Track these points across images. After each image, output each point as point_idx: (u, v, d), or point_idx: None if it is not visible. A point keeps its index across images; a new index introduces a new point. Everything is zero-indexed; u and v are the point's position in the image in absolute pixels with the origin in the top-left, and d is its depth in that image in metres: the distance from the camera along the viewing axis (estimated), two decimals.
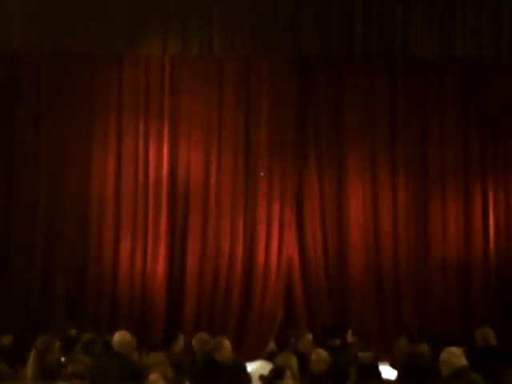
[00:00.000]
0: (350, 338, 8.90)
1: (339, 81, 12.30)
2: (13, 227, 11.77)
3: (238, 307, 11.81)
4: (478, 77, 12.36)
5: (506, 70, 12.35)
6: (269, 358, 7.56)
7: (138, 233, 11.89)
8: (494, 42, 12.04)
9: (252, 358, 8.50)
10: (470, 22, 12.07)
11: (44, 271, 11.70)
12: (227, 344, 7.37)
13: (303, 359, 7.18)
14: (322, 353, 7.07)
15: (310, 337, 8.33)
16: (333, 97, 12.28)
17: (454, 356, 6.18)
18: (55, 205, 11.84)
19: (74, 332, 8.74)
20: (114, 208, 11.92)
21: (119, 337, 7.17)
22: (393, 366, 8.41)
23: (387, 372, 8.04)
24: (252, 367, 7.43)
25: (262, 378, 6.09)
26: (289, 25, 11.92)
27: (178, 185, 12.06)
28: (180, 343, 8.09)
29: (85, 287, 11.75)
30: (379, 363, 7.42)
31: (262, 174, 12.12)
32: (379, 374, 6.80)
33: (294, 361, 6.70)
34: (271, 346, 8.57)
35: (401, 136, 12.31)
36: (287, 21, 11.91)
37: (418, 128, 12.33)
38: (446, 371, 6.13)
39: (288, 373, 5.88)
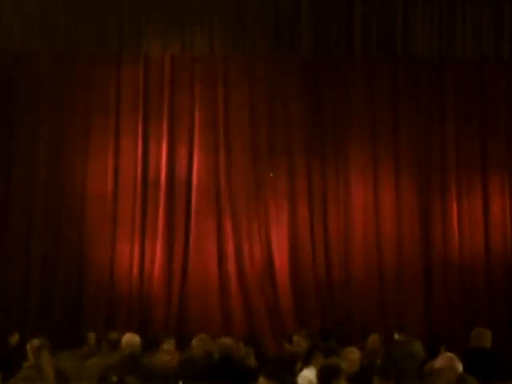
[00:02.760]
0: (396, 336, 8.82)
1: (341, 81, 12.33)
2: (11, 226, 11.71)
3: (237, 307, 11.78)
4: (479, 76, 12.42)
5: (506, 69, 12.39)
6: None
7: (136, 232, 11.85)
8: (494, 42, 12.06)
9: None
10: (469, 22, 12.09)
11: (42, 271, 11.63)
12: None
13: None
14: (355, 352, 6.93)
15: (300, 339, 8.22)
16: (335, 97, 12.29)
17: (455, 363, 6.08)
18: (53, 204, 11.78)
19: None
20: (112, 207, 11.88)
21: (129, 338, 7.09)
22: None
23: None
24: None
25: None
26: (289, 25, 11.91)
27: (176, 185, 12.02)
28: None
29: (83, 287, 11.69)
30: None
31: (271, 174, 12.10)
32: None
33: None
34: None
35: (403, 135, 12.35)
36: (288, 21, 11.90)
37: (421, 127, 12.37)
38: (447, 378, 6.02)
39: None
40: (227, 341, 7.11)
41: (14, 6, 11.46)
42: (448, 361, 6.03)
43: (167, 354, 6.88)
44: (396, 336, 8.77)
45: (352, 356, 6.82)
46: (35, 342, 7.39)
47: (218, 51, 11.98)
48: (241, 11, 11.91)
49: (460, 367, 6.00)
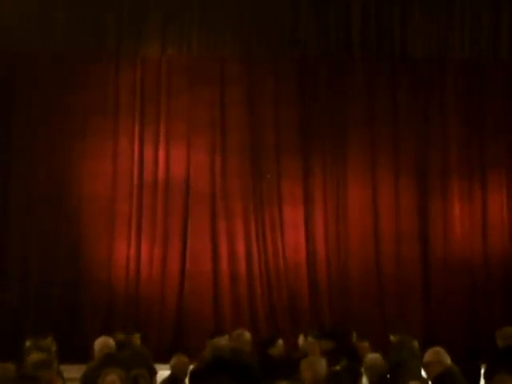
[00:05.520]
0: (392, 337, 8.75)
1: (340, 82, 12.29)
2: (8, 228, 11.66)
3: (236, 309, 11.75)
4: (477, 77, 12.39)
5: (504, 69, 12.37)
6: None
7: (133, 233, 11.81)
8: (493, 43, 12.06)
9: None
10: (468, 23, 12.11)
11: (39, 272, 11.57)
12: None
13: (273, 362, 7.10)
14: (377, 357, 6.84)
15: (281, 342, 8.13)
16: (334, 98, 12.26)
17: (443, 356, 6.10)
18: (51, 204, 11.71)
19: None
20: (110, 208, 11.84)
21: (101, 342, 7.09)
22: None
23: None
24: None
25: None
26: (288, 26, 11.92)
27: (173, 186, 11.97)
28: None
29: (80, 288, 11.63)
30: None
31: (268, 176, 12.09)
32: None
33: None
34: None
35: (402, 136, 12.32)
36: (287, 22, 11.92)
37: (419, 128, 12.35)
38: (435, 371, 6.03)
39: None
40: (221, 341, 7.06)
41: (12, 7, 11.44)
42: (436, 354, 6.05)
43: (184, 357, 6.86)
44: (392, 337, 8.72)
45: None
46: (27, 344, 7.38)
47: (215, 53, 11.97)
48: (239, 13, 11.91)
49: (448, 360, 6.02)
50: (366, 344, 8.05)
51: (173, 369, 6.64)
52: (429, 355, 6.11)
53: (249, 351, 7.47)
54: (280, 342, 7.73)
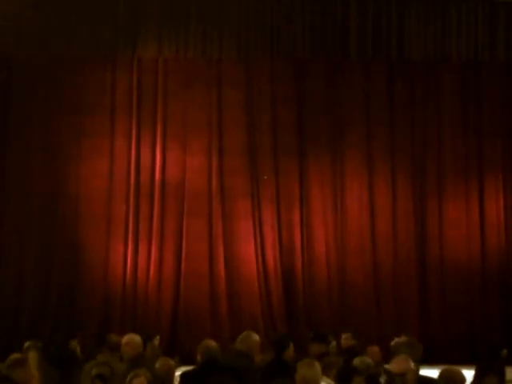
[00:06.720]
0: (344, 341, 8.73)
1: (337, 83, 12.31)
2: (5, 229, 11.67)
3: (233, 310, 11.75)
4: (475, 79, 12.42)
5: (501, 70, 12.38)
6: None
7: (130, 234, 11.81)
8: (489, 44, 12.07)
9: None
10: (464, 24, 12.11)
11: (36, 273, 11.56)
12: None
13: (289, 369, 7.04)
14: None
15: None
16: (330, 100, 12.28)
17: (411, 363, 5.95)
18: (47, 205, 11.73)
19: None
20: (106, 210, 11.85)
21: (128, 340, 6.98)
22: None
23: None
24: None
25: None
26: (284, 28, 11.91)
27: (169, 187, 11.98)
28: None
29: (77, 290, 11.63)
30: None
31: (265, 177, 12.09)
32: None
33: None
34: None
35: (399, 138, 12.35)
36: (283, 24, 11.90)
37: (416, 129, 12.38)
38: (412, 379, 5.87)
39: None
40: (211, 343, 7.01)
41: (9, 8, 11.43)
42: (406, 363, 5.99)
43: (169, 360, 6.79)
44: (397, 339, 8.70)
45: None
46: (26, 344, 7.36)
47: (211, 54, 11.97)
48: (235, 14, 11.90)
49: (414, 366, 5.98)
50: (375, 349, 8.01)
51: (157, 372, 6.58)
52: (400, 364, 5.97)
53: (255, 354, 7.36)
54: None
